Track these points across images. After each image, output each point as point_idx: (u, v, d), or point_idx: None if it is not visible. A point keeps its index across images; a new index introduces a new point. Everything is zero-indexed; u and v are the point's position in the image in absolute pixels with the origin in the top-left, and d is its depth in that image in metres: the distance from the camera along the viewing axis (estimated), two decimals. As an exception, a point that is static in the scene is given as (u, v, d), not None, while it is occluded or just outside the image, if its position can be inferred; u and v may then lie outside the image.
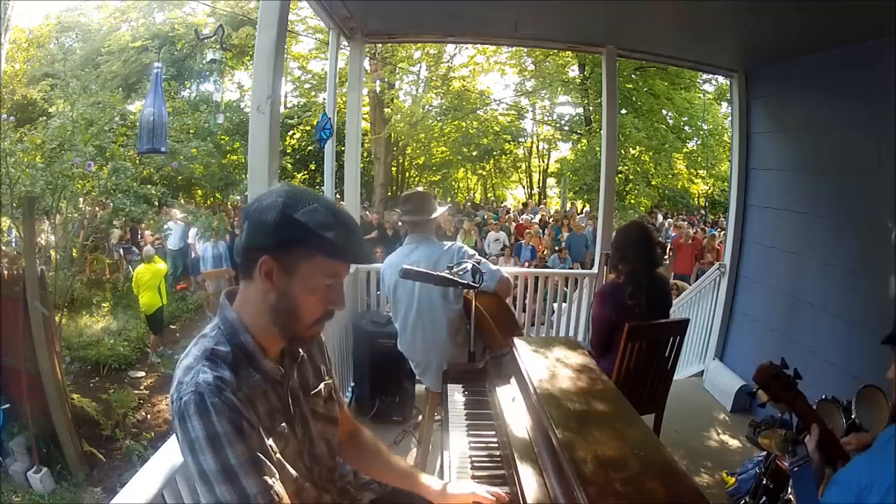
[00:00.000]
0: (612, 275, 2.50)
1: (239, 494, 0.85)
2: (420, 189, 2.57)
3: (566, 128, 16.27)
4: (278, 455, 0.95)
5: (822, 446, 1.24)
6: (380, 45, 11.60)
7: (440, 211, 2.37)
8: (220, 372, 0.90)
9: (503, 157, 17.67)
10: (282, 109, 12.10)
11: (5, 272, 5.10)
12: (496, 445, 1.34)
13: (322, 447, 1.10)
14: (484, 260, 2.20)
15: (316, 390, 1.11)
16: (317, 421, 1.09)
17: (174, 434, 0.92)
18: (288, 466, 0.97)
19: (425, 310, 2.24)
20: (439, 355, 2.23)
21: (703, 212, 15.78)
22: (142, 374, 6.81)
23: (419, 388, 2.94)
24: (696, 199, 16.43)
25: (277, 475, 0.91)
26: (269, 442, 0.94)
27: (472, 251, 2.25)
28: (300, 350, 1.08)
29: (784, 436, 1.32)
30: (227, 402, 0.87)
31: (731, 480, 2.58)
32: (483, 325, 2.00)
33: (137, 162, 7.80)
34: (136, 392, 6.30)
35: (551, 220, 11.77)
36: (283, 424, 0.99)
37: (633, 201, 13.92)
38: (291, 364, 1.05)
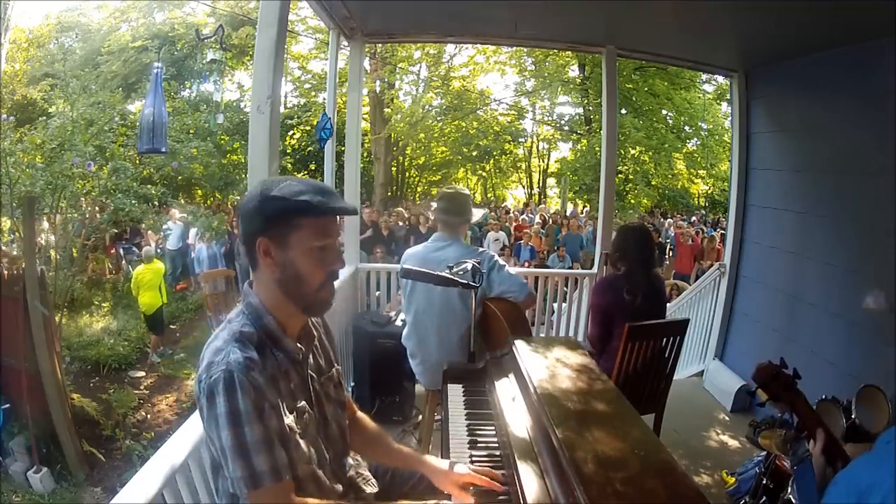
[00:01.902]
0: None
1: (249, 471, 0.92)
2: (461, 188, 2.59)
3: (566, 128, 16.23)
4: (297, 435, 1.01)
5: (826, 449, 1.23)
6: (380, 45, 11.59)
7: (478, 215, 2.43)
8: (248, 353, 0.97)
9: (503, 157, 17.63)
10: (282, 109, 12.07)
11: (5, 272, 5.09)
12: (496, 445, 1.33)
13: (334, 428, 1.16)
14: (512, 271, 2.19)
15: (328, 374, 1.18)
16: (329, 403, 1.16)
17: (199, 413, 0.97)
18: (303, 446, 1.02)
19: (443, 310, 2.21)
20: (447, 356, 2.20)
21: (703, 212, 15.76)
22: (142, 374, 6.80)
23: (419, 388, 2.93)
24: (696, 199, 16.41)
25: (288, 458, 0.96)
26: (290, 420, 1.00)
27: (502, 261, 2.23)
28: (314, 332, 1.17)
29: (784, 436, 1.32)
30: (253, 383, 0.94)
31: (731, 480, 2.58)
32: (498, 330, 1.99)
33: (137, 162, 7.78)
34: (136, 392, 6.30)
35: (550, 220, 11.77)
36: (303, 403, 1.06)
37: (633, 201, 13.90)
38: (308, 345, 1.12)
